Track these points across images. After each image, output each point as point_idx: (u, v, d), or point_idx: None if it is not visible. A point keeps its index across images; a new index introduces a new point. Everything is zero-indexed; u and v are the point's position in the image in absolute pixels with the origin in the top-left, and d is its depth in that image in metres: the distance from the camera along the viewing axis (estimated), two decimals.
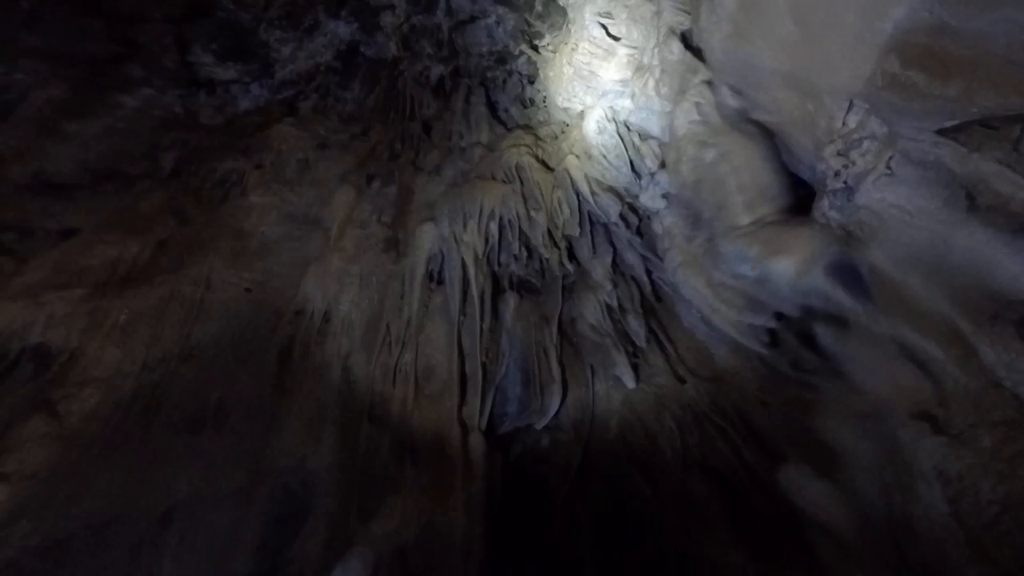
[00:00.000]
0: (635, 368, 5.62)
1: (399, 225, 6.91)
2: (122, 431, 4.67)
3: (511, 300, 6.63)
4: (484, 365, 5.91)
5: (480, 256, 6.61)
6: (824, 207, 3.32)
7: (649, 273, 6.05)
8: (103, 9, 8.42)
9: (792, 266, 3.46)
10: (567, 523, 5.45)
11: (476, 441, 5.29)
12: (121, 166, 7.17)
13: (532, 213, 6.83)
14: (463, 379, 5.72)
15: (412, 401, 5.32)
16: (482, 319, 6.20)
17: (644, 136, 5.75)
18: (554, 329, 6.52)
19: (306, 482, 4.72)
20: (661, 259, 5.33)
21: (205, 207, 6.48)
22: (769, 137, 4.40)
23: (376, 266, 6.31)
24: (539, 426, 5.96)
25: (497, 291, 6.66)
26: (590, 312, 6.55)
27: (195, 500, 4.28)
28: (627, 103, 5.98)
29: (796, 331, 4.28)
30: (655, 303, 6.00)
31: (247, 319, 5.50)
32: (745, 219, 4.09)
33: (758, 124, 4.28)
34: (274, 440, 4.99)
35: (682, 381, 5.22)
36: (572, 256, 6.68)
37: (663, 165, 5.34)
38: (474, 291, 6.32)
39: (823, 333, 3.78)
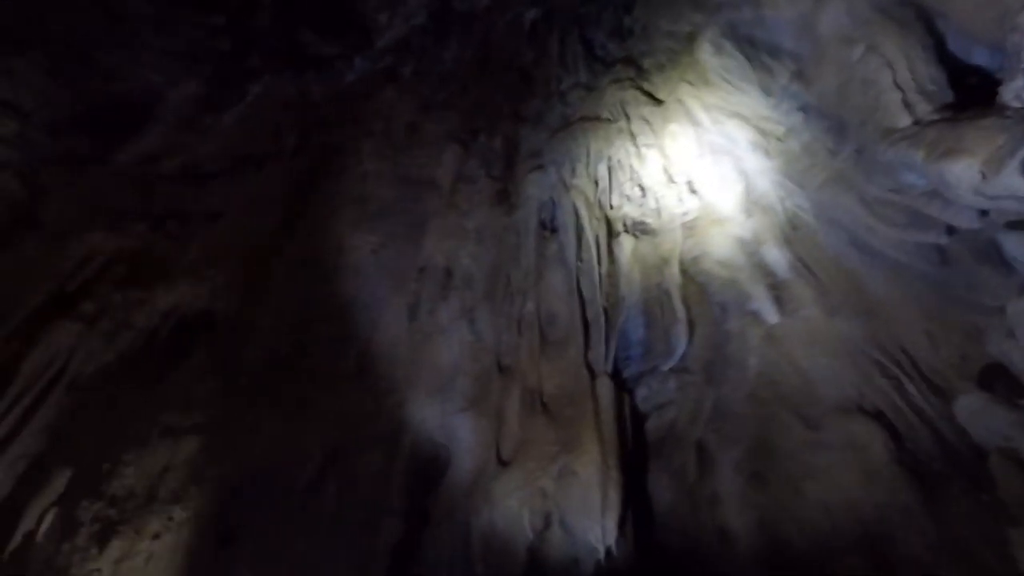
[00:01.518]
0: (777, 302, 5.19)
1: (508, 177, 6.87)
2: (279, 385, 5.15)
3: (626, 243, 6.41)
4: (605, 310, 5.79)
5: (592, 200, 6.43)
6: (1017, 88, 2.75)
7: (783, 200, 5.51)
8: (219, 5, 9.00)
9: (975, 166, 2.92)
10: (703, 467, 5.27)
11: (604, 385, 5.22)
12: (252, 151, 7.73)
13: (643, 150, 6.47)
14: (586, 325, 5.63)
15: (538, 349, 5.33)
16: (599, 264, 6.05)
17: (772, 48, 5.14)
18: (675, 269, 6.19)
19: (445, 430, 4.94)
20: (798, 183, 4.81)
21: (327, 178, 6.83)
22: (929, 20, 3.73)
23: (490, 219, 6.34)
24: (665, 368, 5.74)
25: (612, 235, 6.46)
26: (716, 248, 6.11)
27: (348, 447, 4.62)
28: (748, 14, 5.37)
29: (973, 245, 3.69)
30: (791, 232, 5.47)
31: (376, 279, 5.78)
32: (904, 120, 3.52)
33: (916, 6, 3.64)
34: (411, 393, 5.25)
35: (832, 314, 4.74)
36: (692, 190, 6.26)
37: (797, 76, 4.75)
38: (589, 236, 6.17)
39: (1012, 242, 3.20)
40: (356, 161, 7.08)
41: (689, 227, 6.30)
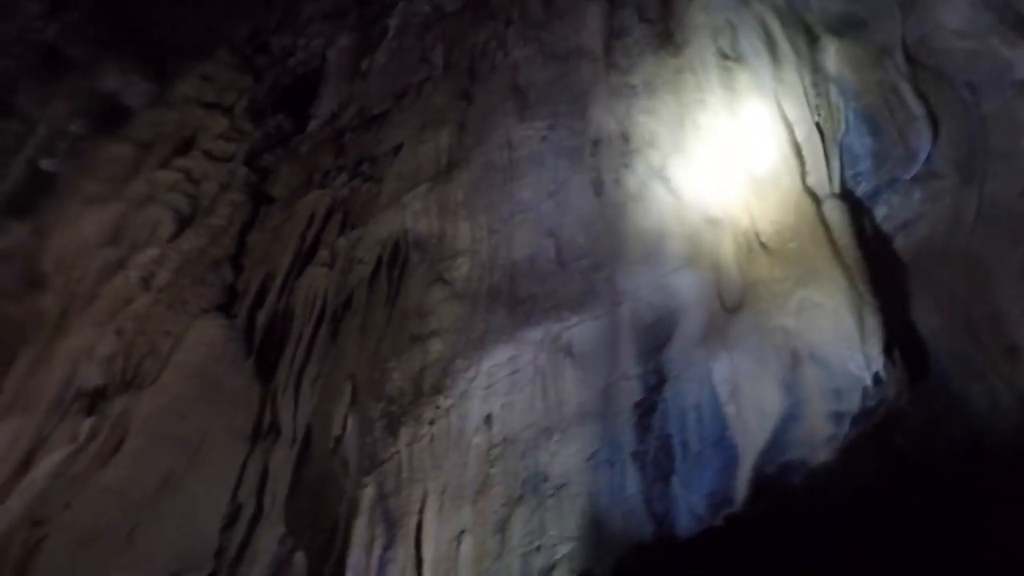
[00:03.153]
0: None
1: (666, 15, 6.13)
2: (493, 286, 5.44)
3: (830, 45, 5.39)
4: (818, 125, 4.98)
5: (780, 7, 5.48)
6: None
7: None
8: None
9: None
10: (974, 281, 4.40)
11: (833, 208, 4.58)
12: (408, 79, 8.00)
13: None
14: (798, 149, 4.91)
15: (748, 187, 4.82)
16: (802, 77, 5.19)
17: None
18: (898, 58, 5.19)
19: (663, 293, 4.80)
20: None
21: (481, 80, 6.80)
22: None
23: (657, 67, 5.75)
24: (907, 176, 4.89)
25: (811, 40, 5.46)
26: (949, 17, 5.08)
27: (575, 325, 4.77)
28: None
29: None
30: None
31: (552, 163, 5.69)
32: None
33: None
34: (618, 266, 5.15)
35: None
36: None
37: None
38: (783, 50, 5.30)
39: None
40: (503, 55, 6.92)
41: (906, 5, 5.26)
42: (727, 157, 5.14)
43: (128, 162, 7.37)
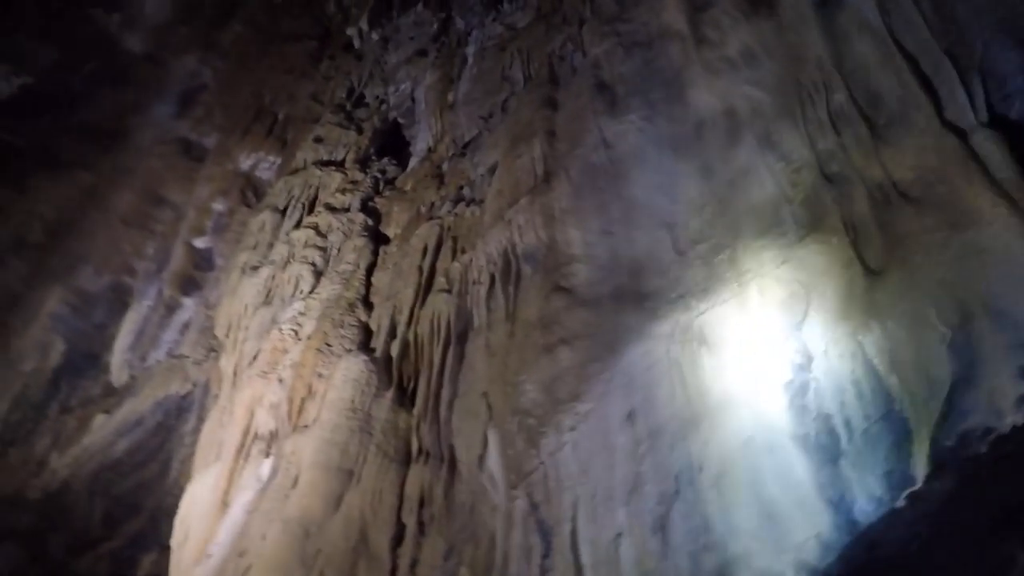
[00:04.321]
0: None
1: None
2: (617, 286, 5.40)
3: None
4: (948, 51, 4.45)
5: None
6: None
7: None
8: None
9: None
10: None
11: (983, 141, 4.06)
12: (493, 99, 8.25)
13: None
14: (926, 84, 4.42)
15: (868, 138, 4.42)
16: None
17: None
18: None
19: (790, 265, 4.50)
20: None
21: (564, 85, 6.86)
22: None
23: (753, 34, 5.47)
24: None
25: None
26: None
27: (704, 312, 4.64)
28: None
29: None
30: None
31: (655, 153, 5.59)
32: None
33: None
34: (737, 244, 4.90)
35: None
36: None
37: None
38: None
39: None
40: (582, 55, 6.92)
41: None
42: (841, 108, 4.74)
43: (269, 228, 8.28)
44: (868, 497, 3.48)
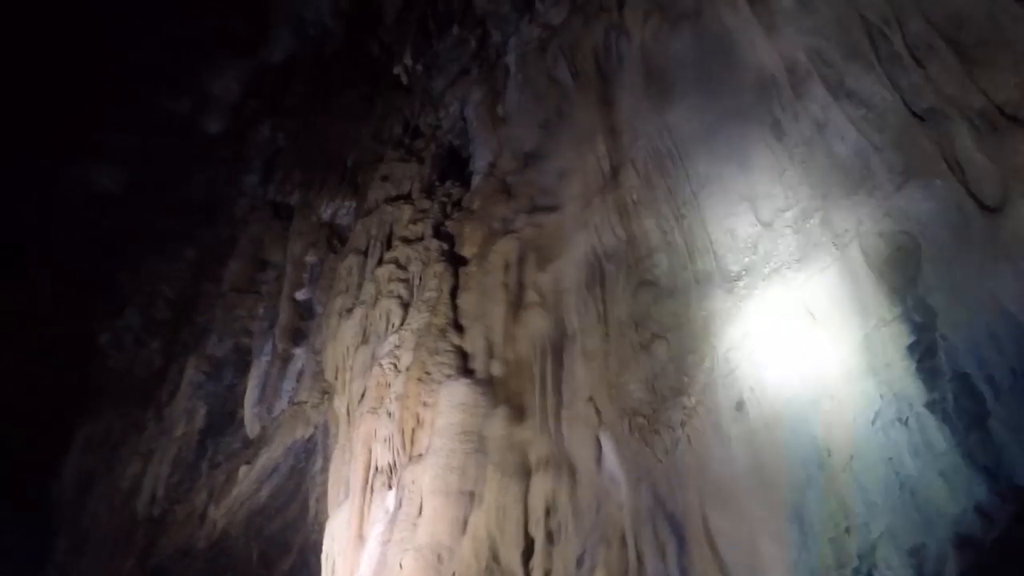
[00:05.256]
0: None
1: None
2: (701, 270, 5.25)
3: None
4: None
5: None
6: None
7: None
8: None
9: None
10: None
11: None
12: (545, 104, 8.24)
13: None
14: None
15: (963, 61, 4.02)
16: None
17: None
18: None
19: (895, 213, 4.17)
20: None
21: (613, 76, 6.75)
22: None
23: None
24: None
25: None
26: None
27: (804, 283, 4.42)
28: None
29: None
30: None
31: (720, 125, 5.38)
32: None
33: None
34: (831, 205, 4.62)
35: None
36: None
37: None
38: None
39: None
40: (627, 41, 6.75)
41: None
42: (919, 38, 4.33)
43: (356, 270, 8.78)
44: None
